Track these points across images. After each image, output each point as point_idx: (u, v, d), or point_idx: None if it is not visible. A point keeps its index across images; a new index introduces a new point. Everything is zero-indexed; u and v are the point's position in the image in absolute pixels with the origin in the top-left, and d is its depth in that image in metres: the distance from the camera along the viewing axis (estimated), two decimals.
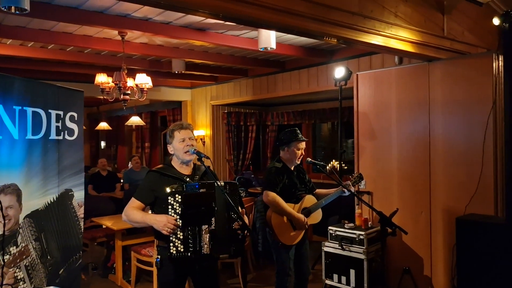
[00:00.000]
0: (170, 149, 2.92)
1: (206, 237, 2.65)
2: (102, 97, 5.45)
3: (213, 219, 2.68)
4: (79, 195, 4.12)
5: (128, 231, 5.27)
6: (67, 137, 3.90)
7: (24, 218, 3.41)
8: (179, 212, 2.60)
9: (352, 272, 4.40)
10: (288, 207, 3.67)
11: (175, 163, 2.91)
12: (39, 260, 3.59)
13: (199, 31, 4.87)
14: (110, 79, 5.10)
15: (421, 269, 4.43)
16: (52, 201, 3.73)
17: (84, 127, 4.41)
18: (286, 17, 2.90)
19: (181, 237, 2.62)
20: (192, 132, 2.92)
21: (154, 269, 4.75)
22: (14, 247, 3.31)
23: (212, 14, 2.81)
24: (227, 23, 4.51)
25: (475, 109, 4.03)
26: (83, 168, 4.21)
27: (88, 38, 5.07)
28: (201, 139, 8.64)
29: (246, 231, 2.71)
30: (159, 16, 4.35)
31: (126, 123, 8.86)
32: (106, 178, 7.81)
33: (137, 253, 4.92)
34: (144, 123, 9.80)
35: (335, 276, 4.55)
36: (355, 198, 4.61)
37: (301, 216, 3.69)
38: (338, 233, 4.56)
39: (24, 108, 3.39)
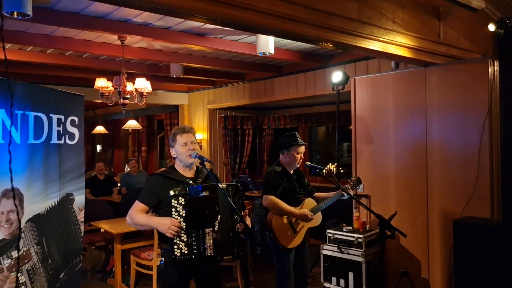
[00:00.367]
0: (173, 152, 2.95)
1: (209, 240, 2.68)
2: (101, 101, 5.47)
3: (216, 222, 2.71)
4: (79, 199, 4.13)
5: (127, 235, 5.28)
6: (68, 141, 3.92)
7: (25, 223, 3.42)
8: (183, 215, 2.64)
9: (351, 274, 4.44)
10: (288, 206, 3.71)
11: (178, 166, 2.94)
12: (40, 264, 3.60)
13: (198, 36, 4.91)
14: (110, 84, 5.12)
15: (418, 272, 4.48)
16: (53, 205, 3.73)
17: None
18: (286, 23, 2.94)
19: (185, 239, 2.65)
20: (194, 135, 2.96)
21: (154, 273, 4.77)
22: (16, 251, 3.32)
23: (209, 20, 2.84)
24: (226, 28, 4.55)
25: (471, 113, 4.09)
26: (83, 172, 4.23)
27: (88, 42, 5.09)
28: (198, 142, 8.66)
29: (247, 234, 2.75)
30: (159, 21, 4.39)
31: (123, 127, 8.87)
32: (103, 182, 7.81)
33: (137, 257, 4.94)
34: (141, 127, 9.82)
35: (334, 279, 4.59)
36: (353, 201, 4.66)
37: (304, 211, 3.73)
38: (336, 236, 4.60)
39: (26, 112, 3.40)
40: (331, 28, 3.19)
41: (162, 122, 10.16)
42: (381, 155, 4.79)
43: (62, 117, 3.82)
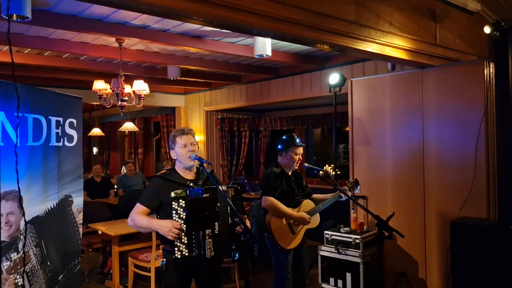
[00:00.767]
0: (173, 154, 2.97)
1: (209, 242, 2.70)
2: (97, 103, 5.47)
3: (216, 223, 2.73)
4: (78, 201, 4.14)
5: (124, 237, 5.28)
6: (66, 143, 3.92)
7: (24, 225, 3.42)
8: (183, 217, 2.65)
9: (348, 275, 4.46)
10: (287, 209, 3.73)
11: (178, 168, 2.96)
12: (39, 266, 3.60)
13: (195, 38, 4.93)
14: (107, 86, 5.13)
15: (416, 272, 4.50)
16: (52, 207, 3.74)
17: None
18: (283, 25, 2.96)
19: (185, 241, 2.66)
20: (194, 137, 2.97)
21: (152, 275, 4.77)
22: (15, 253, 3.32)
23: (207, 22, 2.86)
24: (223, 30, 4.57)
25: (467, 115, 4.12)
26: (82, 174, 4.24)
27: (86, 45, 5.10)
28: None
29: (248, 235, 2.77)
30: (157, 23, 4.40)
31: (119, 129, 8.87)
32: (100, 184, 7.80)
33: (134, 259, 4.94)
34: (138, 129, 9.81)
35: (332, 280, 4.61)
36: (351, 202, 4.68)
37: (302, 213, 3.75)
38: (334, 237, 4.62)
39: (25, 114, 3.41)
40: (328, 30, 3.21)
41: (158, 124, 10.17)
42: (378, 157, 4.82)
43: (60, 119, 3.83)
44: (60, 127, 3.83)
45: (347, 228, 4.69)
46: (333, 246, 4.58)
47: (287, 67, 6.87)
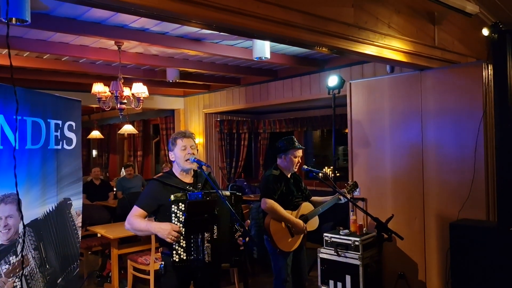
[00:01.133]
0: (172, 156, 2.96)
1: (208, 246, 2.70)
2: (96, 106, 5.48)
3: (215, 228, 2.72)
4: (77, 204, 4.13)
5: (123, 240, 5.28)
6: (65, 146, 3.92)
7: (23, 228, 3.41)
8: (182, 221, 2.65)
9: (348, 278, 4.45)
10: (286, 213, 3.72)
11: (176, 170, 2.95)
12: (38, 270, 3.59)
13: (194, 41, 4.93)
14: (106, 89, 5.13)
15: (415, 274, 4.50)
16: (51, 210, 3.73)
17: None
18: (282, 28, 2.96)
19: (184, 245, 2.66)
20: (194, 141, 2.98)
21: (151, 277, 4.77)
22: (14, 256, 3.31)
23: (206, 25, 2.86)
24: (222, 33, 4.58)
25: (466, 117, 4.13)
26: (81, 177, 4.23)
27: (85, 48, 5.10)
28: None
29: (247, 238, 2.77)
30: (155, 26, 4.41)
31: (118, 132, 8.87)
32: (99, 187, 7.79)
33: (134, 262, 4.93)
34: (137, 132, 9.81)
35: (331, 282, 4.60)
36: (350, 204, 4.68)
37: (300, 222, 3.75)
38: (333, 239, 4.61)
39: (24, 118, 3.41)
40: (327, 33, 3.22)
41: (157, 127, 10.15)
42: (377, 158, 4.82)
43: (59, 122, 3.83)
44: (59, 130, 3.82)
45: (347, 230, 4.68)
46: (333, 249, 4.58)
47: (286, 69, 6.87)
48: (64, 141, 3.90)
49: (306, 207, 3.89)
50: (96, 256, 6.31)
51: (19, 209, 3.07)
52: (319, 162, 8.99)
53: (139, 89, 5.24)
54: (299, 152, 3.87)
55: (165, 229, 2.64)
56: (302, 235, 3.85)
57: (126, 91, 5.19)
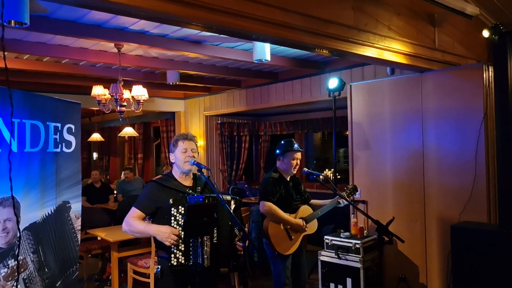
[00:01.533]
0: (172, 157, 2.95)
1: (207, 250, 2.68)
2: (97, 108, 5.47)
3: (215, 233, 2.70)
4: (76, 207, 4.11)
5: (123, 243, 5.26)
6: (65, 149, 3.91)
7: (22, 231, 3.40)
8: (182, 224, 2.63)
9: (349, 280, 4.43)
10: (285, 214, 3.71)
11: (176, 173, 2.94)
12: (36, 273, 3.57)
13: (194, 43, 4.92)
14: (106, 91, 5.12)
15: (416, 277, 4.48)
16: (49, 213, 3.72)
17: None
18: (283, 30, 2.96)
19: (183, 248, 2.64)
20: (196, 144, 2.96)
21: (151, 281, 4.75)
22: (13, 260, 3.29)
23: (206, 27, 2.85)
24: (222, 35, 4.57)
25: (467, 119, 4.11)
26: (80, 180, 4.22)
27: (84, 50, 5.10)
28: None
29: (247, 242, 2.75)
30: (155, 29, 4.40)
31: (119, 134, 8.86)
32: (99, 190, 7.78)
33: (134, 265, 4.92)
34: (137, 134, 9.79)
35: (332, 285, 4.58)
36: (351, 207, 4.67)
37: (299, 221, 3.74)
38: (334, 242, 4.60)
39: (23, 120, 3.39)
40: (327, 35, 3.21)
41: (158, 129, 10.15)
42: (378, 161, 4.81)
43: (59, 125, 3.81)
44: (58, 133, 3.81)
45: (347, 233, 4.67)
46: (333, 251, 4.56)
47: (286, 71, 6.87)
48: (63, 144, 3.89)
49: (305, 210, 3.87)
50: (96, 259, 6.30)
51: (15, 213, 3.05)
52: (320, 165, 8.97)
53: (139, 91, 5.23)
54: (298, 155, 3.86)
55: (165, 232, 2.62)
56: (300, 238, 3.84)
57: (126, 94, 5.18)
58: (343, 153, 7.96)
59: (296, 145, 3.89)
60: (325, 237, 4.71)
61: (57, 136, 3.81)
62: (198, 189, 2.90)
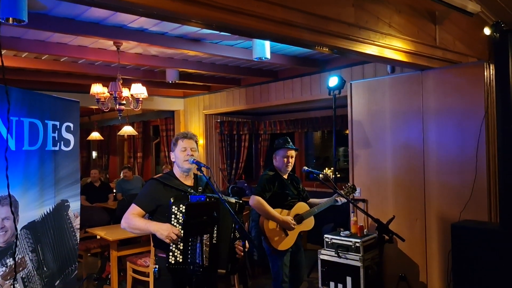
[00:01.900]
0: (172, 156, 2.95)
1: (206, 250, 2.66)
2: (96, 107, 5.44)
3: (215, 233, 2.69)
4: (75, 206, 4.09)
5: (123, 242, 5.24)
6: (63, 147, 3.89)
7: (20, 230, 3.38)
8: (182, 222, 2.61)
9: (349, 279, 4.42)
10: (273, 211, 3.71)
11: (177, 172, 2.93)
12: (35, 272, 3.55)
13: (194, 41, 4.90)
14: (105, 89, 5.10)
15: (417, 276, 4.46)
16: (48, 212, 3.70)
17: None
18: (283, 28, 2.94)
19: (181, 247, 2.63)
20: (196, 143, 2.95)
21: (150, 279, 4.73)
22: (11, 259, 3.27)
23: (205, 25, 2.84)
24: (222, 33, 4.55)
25: (468, 117, 4.09)
26: (79, 178, 4.20)
27: (83, 48, 5.07)
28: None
29: (247, 242, 2.73)
30: (155, 26, 4.38)
31: (118, 133, 8.83)
32: (99, 189, 7.76)
33: (133, 264, 4.90)
34: (137, 133, 9.77)
35: (332, 284, 4.57)
36: (350, 206, 4.65)
37: (286, 218, 3.73)
38: (334, 241, 4.58)
39: (21, 119, 3.37)
40: (328, 33, 3.19)
41: (157, 128, 10.12)
42: (378, 159, 4.79)
43: (57, 123, 3.79)
44: (56, 131, 3.79)
45: (347, 232, 4.66)
46: (333, 250, 4.55)
47: (286, 70, 6.84)
48: (62, 142, 3.87)
49: (301, 206, 3.89)
50: (95, 258, 6.28)
51: (12, 212, 3.03)
52: (320, 164, 8.95)
53: (138, 90, 5.21)
54: (290, 152, 3.87)
55: (165, 230, 2.61)
56: (297, 234, 3.83)
57: (125, 92, 5.16)
58: (343, 152, 7.94)
59: (289, 143, 3.89)
60: (325, 235, 4.69)
61: (56, 135, 3.79)
62: (200, 189, 2.89)
